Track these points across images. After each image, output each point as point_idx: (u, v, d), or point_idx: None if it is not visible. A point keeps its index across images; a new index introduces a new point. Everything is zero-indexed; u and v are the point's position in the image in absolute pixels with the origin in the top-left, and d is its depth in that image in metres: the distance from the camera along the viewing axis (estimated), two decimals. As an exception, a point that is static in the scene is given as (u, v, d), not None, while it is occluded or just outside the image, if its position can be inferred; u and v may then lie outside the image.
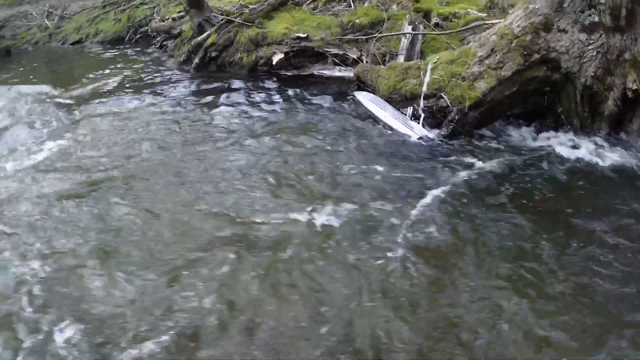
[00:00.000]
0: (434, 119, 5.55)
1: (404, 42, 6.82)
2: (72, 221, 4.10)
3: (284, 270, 3.45)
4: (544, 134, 5.45)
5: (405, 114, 5.69)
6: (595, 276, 3.32)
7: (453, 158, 4.99)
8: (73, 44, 13.16)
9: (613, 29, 5.20)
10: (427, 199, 4.23)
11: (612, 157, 4.92)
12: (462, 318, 3.02)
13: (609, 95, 5.31)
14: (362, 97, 6.14)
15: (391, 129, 5.59)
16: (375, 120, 5.78)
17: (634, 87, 5.16)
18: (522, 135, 5.47)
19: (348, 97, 6.46)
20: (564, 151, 5.09)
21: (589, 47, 5.24)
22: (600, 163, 4.85)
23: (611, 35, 5.21)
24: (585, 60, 5.28)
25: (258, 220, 3.98)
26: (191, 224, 3.97)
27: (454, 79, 5.49)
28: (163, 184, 4.62)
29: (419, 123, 5.56)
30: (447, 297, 3.19)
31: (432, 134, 5.42)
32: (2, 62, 12.43)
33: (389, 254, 3.56)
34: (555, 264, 3.44)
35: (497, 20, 6.28)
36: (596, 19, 5.20)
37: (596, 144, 5.17)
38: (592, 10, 5.20)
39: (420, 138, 5.37)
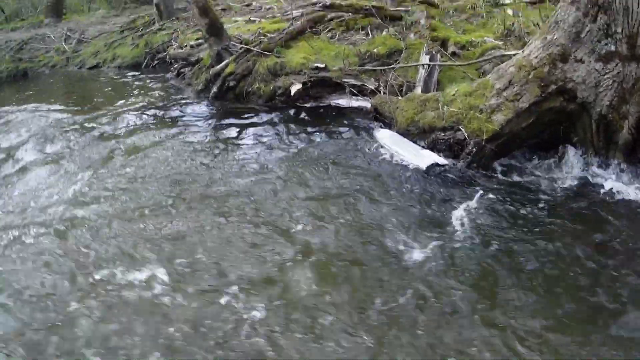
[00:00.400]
0: (451, 151, 5.54)
1: (422, 72, 6.83)
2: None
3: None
4: (560, 163, 5.43)
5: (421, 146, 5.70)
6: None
7: (470, 189, 4.99)
8: (90, 68, 13.39)
9: (629, 57, 5.16)
10: (452, 229, 4.25)
11: (625, 185, 4.94)
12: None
13: (624, 124, 5.27)
14: (381, 135, 6.19)
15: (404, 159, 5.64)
16: (392, 153, 5.81)
17: None
18: (537, 165, 5.45)
19: (365, 129, 6.49)
20: (579, 180, 5.11)
21: (605, 77, 5.22)
22: (614, 191, 4.86)
23: (627, 63, 5.18)
24: (601, 90, 5.25)
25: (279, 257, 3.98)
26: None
27: (471, 112, 5.50)
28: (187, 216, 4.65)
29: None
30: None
31: (442, 161, 5.43)
32: (20, 85, 12.61)
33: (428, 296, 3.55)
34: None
35: (514, 52, 6.29)
36: (612, 48, 5.17)
37: (611, 172, 5.17)
38: (609, 39, 5.17)
39: (431, 166, 5.39)
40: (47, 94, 10.46)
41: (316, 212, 4.63)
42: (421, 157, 5.54)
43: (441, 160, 5.45)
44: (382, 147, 5.99)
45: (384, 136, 6.13)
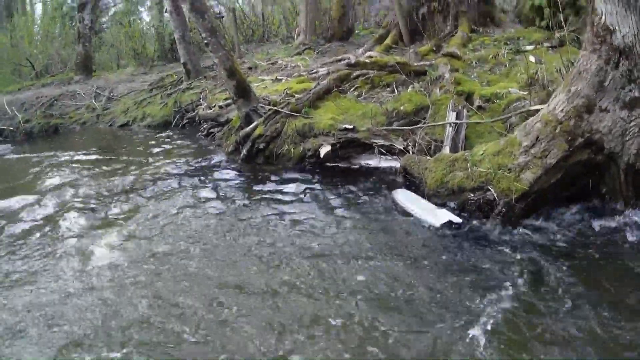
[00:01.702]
0: (481, 211, 5.56)
1: (449, 130, 6.89)
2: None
3: None
4: (590, 216, 5.44)
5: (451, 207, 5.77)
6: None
7: (501, 249, 5.01)
8: (121, 126, 13.64)
9: None
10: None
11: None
12: None
13: None
14: (399, 195, 6.32)
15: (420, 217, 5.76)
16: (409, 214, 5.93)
17: None
18: (568, 219, 5.46)
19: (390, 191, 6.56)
20: (612, 232, 5.11)
21: (631, 124, 5.22)
22: None
23: None
24: (627, 139, 5.25)
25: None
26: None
27: (500, 171, 5.54)
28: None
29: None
30: None
31: (457, 219, 5.50)
32: (51, 140, 12.88)
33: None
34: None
35: (539, 106, 6.32)
36: (636, 93, 5.19)
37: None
38: (632, 85, 5.19)
39: (445, 225, 5.48)
40: (79, 150, 10.67)
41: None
42: (436, 216, 5.63)
43: (456, 218, 5.52)
44: (398, 206, 6.13)
45: (401, 196, 6.27)
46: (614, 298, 4.14)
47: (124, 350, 3.85)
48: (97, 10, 21.22)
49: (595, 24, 5.33)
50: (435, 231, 5.48)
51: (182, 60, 13.98)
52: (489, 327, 3.83)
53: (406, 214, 5.95)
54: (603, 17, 5.23)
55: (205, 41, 8.66)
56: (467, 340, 3.72)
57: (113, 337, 4.02)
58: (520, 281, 4.42)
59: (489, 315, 3.97)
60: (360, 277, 4.68)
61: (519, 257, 4.82)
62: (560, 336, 3.72)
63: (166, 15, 18.21)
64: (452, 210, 5.70)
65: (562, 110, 5.53)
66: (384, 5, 16.15)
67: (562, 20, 8.57)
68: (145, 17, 24.29)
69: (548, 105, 5.78)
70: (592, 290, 4.24)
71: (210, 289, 4.62)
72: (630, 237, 5.02)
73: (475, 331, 3.79)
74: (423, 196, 6.09)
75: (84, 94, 15.92)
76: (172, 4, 13.73)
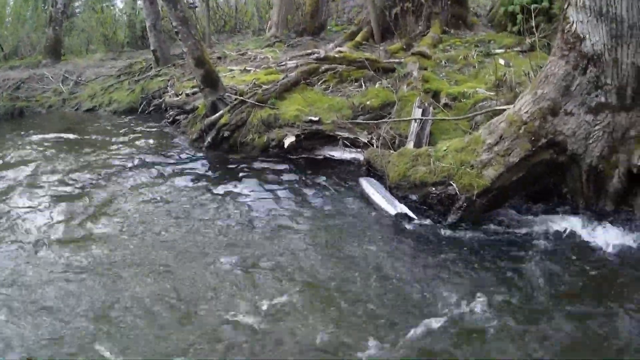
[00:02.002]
0: (442, 205, 5.59)
1: (414, 125, 6.89)
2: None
3: None
4: (550, 215, 5.52)
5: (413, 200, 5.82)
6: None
7: (460, 243, 5.09)
8: (87, 110, 13.40)
9: (619, 108, 5.27)
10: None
11: (615, 236, 5.00)
12: None
13: (614, 173, 5.35)
14: (364, 182, 6.37)
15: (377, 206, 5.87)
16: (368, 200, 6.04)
17: (639, 162, 5.21)
18: (527, 217, 5.53)
19: (355, 182, 6.57)
20: (569, 232, 5.16)
21: (595, 128, 5.32)
22: (604, 243, 4.93)
23: (617, 114, 5.28)
24: (591, 141, 5.35)
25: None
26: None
27: (463, 167, 5.56)
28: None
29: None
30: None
31: (412, 215, 5.61)
32: (16, 123, 12.64)
33: None
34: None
35: (505, 106, 6.36)
36: (602, 99, 5.28)
37: (600, 223, 5.23)
38: (599, 91, 5.28)
39: (398, 214, 5.60)
40: (43, 133, 10.48)
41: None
42: (393, 206, 5.73)
43: (411, 214, 5.61)
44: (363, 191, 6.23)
45: (366, 183, 6.33)
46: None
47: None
48: (71, -6, 20.88)
49: (565, 31, 5.43)
50: (389, 221, 5.59)
51: (151, 48, 13.78)
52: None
53: (366, 200, 6.06)
54: (574, 25, 5.33)
55: (176, 30, 8.59)
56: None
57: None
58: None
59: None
60: (301, 253, 4.87)
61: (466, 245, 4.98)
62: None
63: (139, 2, 17.97)
64: (414, 202, 5.76)
65: (527, 111, 5.59)
66: (358, 3, 16.17)
67: (534, 26, 8.64)
68: (119, 3, 23.89)
69: (514, 106, 5.85)
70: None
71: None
72: (583, 236, 5.12)
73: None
74: (386, 188, 6.11)
75: (51, 77, 15.63)
76: (146, -8, 13.56)
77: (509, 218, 5.53)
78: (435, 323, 3.80)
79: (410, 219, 5.55)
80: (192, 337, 3.74)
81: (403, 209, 5.65)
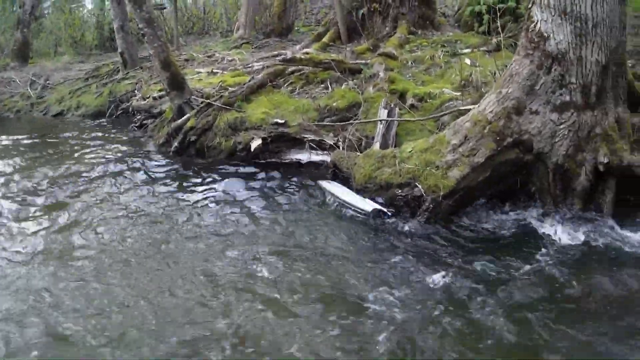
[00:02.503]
0: (408, 207, 5.61)
1: (380, 127, 6.92)
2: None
3: None
4: (517, 214, 5.58)
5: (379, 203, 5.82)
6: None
7: (430, 244, 5.09)
8: (55, 115, 13.29)
9: (584, 106, 5.36)
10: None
11: (582, 234, 5.07)
12: None
13: (581, 171, 5.43)
14: (326, 185, 6.44)
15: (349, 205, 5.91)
16: (338, 200, 6.07)
17: (605, 160, 5.29)
18: (495, 216, 5.58)
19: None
20: (537, 231, 5.23)
21: (561, 127, 5.41)
22: (572, 241, 4.99)
23: (582, 112, 5.36)
24: (556, 140, 5.43)
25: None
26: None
27: (428, 168, 5.59)
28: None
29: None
30: None
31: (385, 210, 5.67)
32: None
33: None
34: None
35: (470, 106, 6.39)
36: (567, 98, 5.37)
37: (568, 221, 5.31)
38: (564, 89, 5.37)
39: (373, 211, 5.63)
40: (8, 137, 10.35)
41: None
42: (368, 203, 5.76)
43: (385, 210, 5.67)
44: (327, 194, 6.27)
45: (329, 186, 6.38)
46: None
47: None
48: (40, -5, 20.66)
49: (530, 30, 5.52)
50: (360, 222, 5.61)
51: (119, 50, 13.66)
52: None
53: (334, 201, 6.10)
54: (538, 24, 5.41)
55: (142, 32, 8.52)
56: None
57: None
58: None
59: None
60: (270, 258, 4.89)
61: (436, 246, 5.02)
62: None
63: (107, 3, 17.83)
64: (381, 205, 5.75)
65: (491, 111, 5.65)
66: (326, 4, 16.20)
67: (500, 26, 8.71)
68: (88, 4, 23.65)
69: (478, 106, 5.91)
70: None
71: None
72: (550, 235, 5.17)
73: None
74: (352, 190, 6.13)
75: (19, 81, 15.48)
76: (114, -7, 13.43)
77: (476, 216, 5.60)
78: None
79: (385, 215, 5.61)
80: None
81: (377, 205, 5.68)
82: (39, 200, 6.55)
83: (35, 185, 7.14)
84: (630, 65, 6.74)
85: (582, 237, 5.02)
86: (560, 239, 5.03)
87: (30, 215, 6.11)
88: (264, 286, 4.40)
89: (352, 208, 5.83)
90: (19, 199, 6.62)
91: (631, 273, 4.45)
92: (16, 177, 7.51)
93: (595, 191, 5.50)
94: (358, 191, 6.02)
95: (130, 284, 4.51)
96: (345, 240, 5.25)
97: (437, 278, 4.42)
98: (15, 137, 10.40)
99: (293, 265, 4.74)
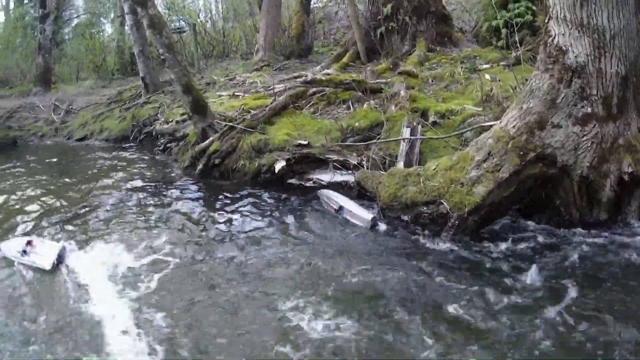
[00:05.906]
0: (435, 224, 5.61)
1: (403, 145, 6.94)
2: None
3: None
4: (545, 228, 5.59)
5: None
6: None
7: (457, 261, 5.12)
8: (78, 140, 13.45)
9: (606, 117, 5.35)
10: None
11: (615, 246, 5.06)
12: None
13: (606, 182, 5.41)
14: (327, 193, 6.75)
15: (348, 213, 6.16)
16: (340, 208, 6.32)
17: (630, 170, 5.29)
18: (521, 231, 5.59)
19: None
20: (565, 244, 5.21)
21: (584, 139, 5.39)
22: (604, 253, 4.97)
23: (604, 124, 5.35)
24: (580, 152, 5.41)
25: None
26: None
27: (453, 185, 5.59)
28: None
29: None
30: None
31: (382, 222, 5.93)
32: (10, 153, 12.67)
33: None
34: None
35: (492, 122, 6.40)
36: (589, 110, 5.35)
37: (596, 233, 5.30)
38: (585, 102, 5.36)
39: (372, 220, 5.90)
40: (37, 162, 10.54)
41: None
42: (368, 210, 6.08)
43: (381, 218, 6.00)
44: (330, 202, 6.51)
45: (330, 194, 6.66)
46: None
47: None
48: (60, 21, 20.92)
49: (548, 44, 5.52)
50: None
51: (141, 75, 13.86)
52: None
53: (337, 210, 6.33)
54: (556, 38, 5.41)
55: (162, 57, 8.64)
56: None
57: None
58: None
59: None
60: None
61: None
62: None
63: (127, 28, 18.08)
64: (407, 223, 5.79)
65: (514, 126, 5.64)
66: (344, 24, 16.23)
67: (518, 40, 8.72)
68: (109, 29, 23.94)
69: (500, 122, 5.89)
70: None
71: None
72: (580, 248, 5.15)
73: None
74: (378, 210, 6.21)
75: (42, 106, 15.73)
76: (133, 18, 13.61)
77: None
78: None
79: (381, 223, 5.88)
80: None
81: (374, 214, 5.94)
82: (56, 222, 6.69)
83: (56, 207, 7.32)
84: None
85: (611, 247, 5.02)
86: (586, 250, 5.02)
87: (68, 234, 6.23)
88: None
89: (351, 215, 6.08)
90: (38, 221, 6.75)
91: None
92: (38, 199, 7.70)
93: (621, 201, 5.49)
94: (383, 210, 6.04)
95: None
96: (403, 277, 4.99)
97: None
98: (41, 161, 10.57)
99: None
